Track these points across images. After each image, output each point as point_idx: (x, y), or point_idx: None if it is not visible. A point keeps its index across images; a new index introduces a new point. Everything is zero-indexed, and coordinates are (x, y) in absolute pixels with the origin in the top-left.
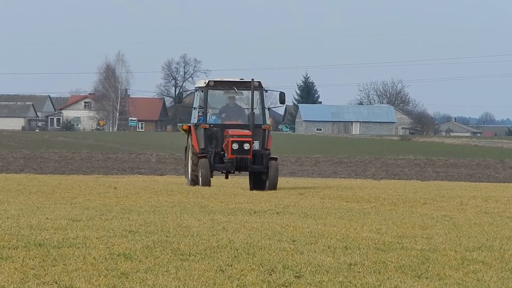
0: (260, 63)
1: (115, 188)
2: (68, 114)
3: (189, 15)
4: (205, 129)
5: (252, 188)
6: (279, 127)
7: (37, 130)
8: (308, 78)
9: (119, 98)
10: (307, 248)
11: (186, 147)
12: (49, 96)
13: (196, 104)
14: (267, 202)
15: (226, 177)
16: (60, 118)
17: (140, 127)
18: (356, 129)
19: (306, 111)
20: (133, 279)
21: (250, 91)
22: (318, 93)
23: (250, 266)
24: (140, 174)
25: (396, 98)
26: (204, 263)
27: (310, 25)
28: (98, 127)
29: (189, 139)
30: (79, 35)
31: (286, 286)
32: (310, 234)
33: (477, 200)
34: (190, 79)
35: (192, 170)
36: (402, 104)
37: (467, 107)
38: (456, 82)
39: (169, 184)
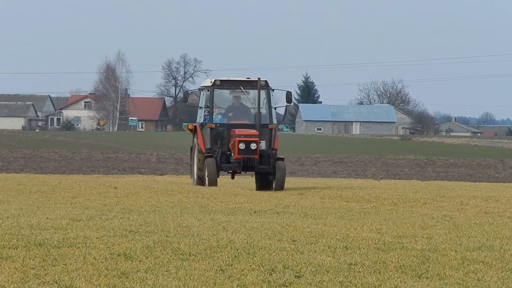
0: (260, 63)
1: (115, 187)
2: (68, 114)
3: (189, 15)
4: (211, 128)
5: (258, 189)
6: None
7: (37, 130)
8: (308, 78)
9: (119, 98)
10: (307, 248)
11: (191, 147)
12: (49, 96)
13: (202, 103)
14: (267, 202)
15: (232, 177)
16: (60, 118)
17: (140, 127)
18: (356, 129)
19: (306, 111)
20: (133, 279)
21: (256, 91)
22: (318, 93)
23: (250, 266)
24: (140, 173)
25: (396, 98)
26: (204, 263)
27: (310, 25)
28: (98, 127)
29: (195, 139)
30: (79, 35)
31: (286, 286)
32: (310, 234)
33: (477, 200)
34: (190, 79)
35: (199, 170)
36: (402, 104)
37: (467, 107)
38: (456, 82)
39: (169, 184)
